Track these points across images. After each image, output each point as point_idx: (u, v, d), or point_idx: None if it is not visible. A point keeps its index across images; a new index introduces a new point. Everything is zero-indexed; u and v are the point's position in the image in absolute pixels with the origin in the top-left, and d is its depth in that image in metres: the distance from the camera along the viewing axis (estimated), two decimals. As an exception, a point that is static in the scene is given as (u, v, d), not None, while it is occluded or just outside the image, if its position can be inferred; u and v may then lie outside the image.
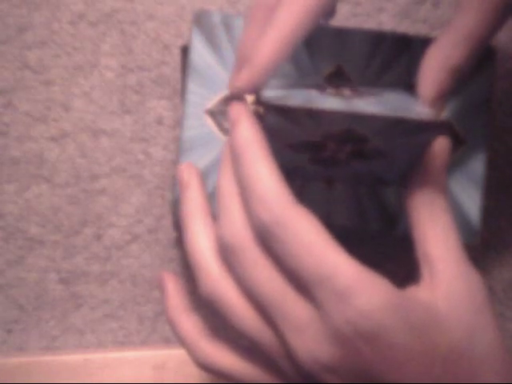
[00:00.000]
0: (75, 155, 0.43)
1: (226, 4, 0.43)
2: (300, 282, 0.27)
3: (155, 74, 0.43)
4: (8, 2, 0.42)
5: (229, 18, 0.37)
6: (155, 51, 0.43)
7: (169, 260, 0.44)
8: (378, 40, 0.37)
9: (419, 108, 0.31)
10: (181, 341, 0.32)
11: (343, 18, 0.43)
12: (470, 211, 0.37)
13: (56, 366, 0.42)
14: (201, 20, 0.37)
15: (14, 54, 0.42)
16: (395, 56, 0.37)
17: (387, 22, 0.44)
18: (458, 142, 0.38)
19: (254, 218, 0.28)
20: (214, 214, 0.31)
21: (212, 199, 0.32)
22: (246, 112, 0.30)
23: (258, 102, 0.31)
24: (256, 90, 0.31)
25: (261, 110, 0.30)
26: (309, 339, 0.27)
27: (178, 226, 0.33)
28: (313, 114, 0.28)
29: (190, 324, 0.32)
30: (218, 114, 0.37)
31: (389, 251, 0.43)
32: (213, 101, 0.37)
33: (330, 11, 0.36)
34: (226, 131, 0.37)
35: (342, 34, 0.37)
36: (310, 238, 0.27)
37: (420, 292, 0.29)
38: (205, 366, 0.32)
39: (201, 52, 0.37)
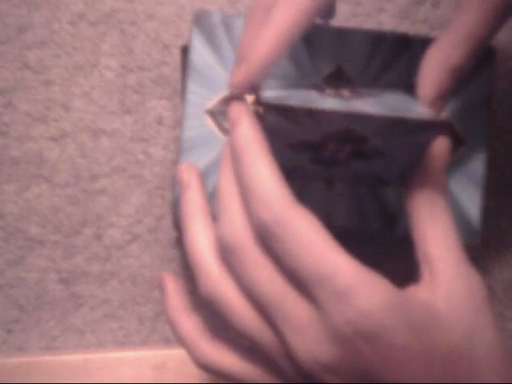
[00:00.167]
0: (75, 155, 0.43)
1: (226, 4, 0.43)
2: (300, 282, 0.27)
3: (155, 74, 0.43)
4: (8, 1, 0.42)
5: (229, 18, 0.37)
6: (155, 51, 0.43)
7: (169, 260, 0.44)
8: (378, 40, 0.37)
9: (419, 108, 0.31)
10: (181, 341, 0.32)
11: (343, 18, 0.43)
12: (470, 211, 0.37)
13: (56, 365, 0.42)
14: (201, 20, 0.37)
15: (14, 53, 0.42)
16: (395, 56, 0.37)
17: (387, 22, 0.44)
18: (458, 141, 0.38)
19: (254, 218, 0.28)
20: (214, 214, 0.31)
21: (212, 199, 0.32)
22: (246, 112, 0.30)
23: (258, 102, 0.31)
24: (252, 87, 0.31)
25: (261, 110, 0.30)
26: (309, 339, 0.27)
27: (178, 226, 0.33)
28: (312, 114, 0.28)
29: (189, 324, 0.32)
30: (218, 114, 0.37)
31: (389, 251, 0.43)
32: (213, 101, 0.37)
33: (327, 10, 0.36)
34: (226, 131, 0.37)
35: (342, 33, 0.37)
36: (309, 237, 0.27)
37: (420, 292, 0.29)
38: (205, 366, 0.32)
39: (201, 52, 0.37)
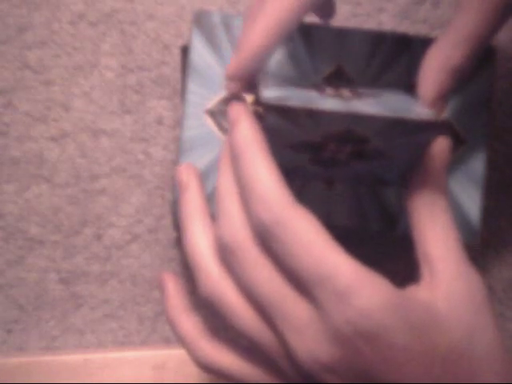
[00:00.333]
0: (75, 155, 0.43)
1: (226, 4, 0.43)
2: (300, 282, 0.27)
3: (155, 74, 0.43)
4: (8, 1, 0.42)
5: (229, 18, 0.37)
6: (155, 51, 0.43)
7: (169, 260, 0.44)
8: (378, 40, 0.37)
9: (419, 108, 0.31)
10: (181, 341, 0.32)
11: (343, 18, 0.43)
12: (470, 211, 0.37)
13: (56, 366, 0.42)
14: (201, 20, 0.37)
15: (14, 53, 0.42)
16: (395, 56, 0.37)
17: (387, 22, 0.44)
18: (458, 141, 0.38)
19: (253, 218, 0.28)
20: (214, 214, 0.31)
21: (212, 199, 0.32)
22: (245, 112, 0.30)
23: (258, 102, 0.31)
24: (247, 80, 0.31)
25: (260, 110, 0.30)
26: (309, 339, 0.27)
27: (178, 226, 0.33)
28: (312, 115, 0.28)
29: (189, 324, 0.32)
30: (218, 114, 0.37)
31: (389, 251, 0.43)
32: (213, 101, 0.37)
33: (327, 9, 0.36)
34: (225, 131, 0.37)
35: (342, 34, 0.37)
36: (309, 237, 0.27)
37: (420, 292, 0.29)
38: (205, 366, 0.32)
39: (201, 52, 0.37)
